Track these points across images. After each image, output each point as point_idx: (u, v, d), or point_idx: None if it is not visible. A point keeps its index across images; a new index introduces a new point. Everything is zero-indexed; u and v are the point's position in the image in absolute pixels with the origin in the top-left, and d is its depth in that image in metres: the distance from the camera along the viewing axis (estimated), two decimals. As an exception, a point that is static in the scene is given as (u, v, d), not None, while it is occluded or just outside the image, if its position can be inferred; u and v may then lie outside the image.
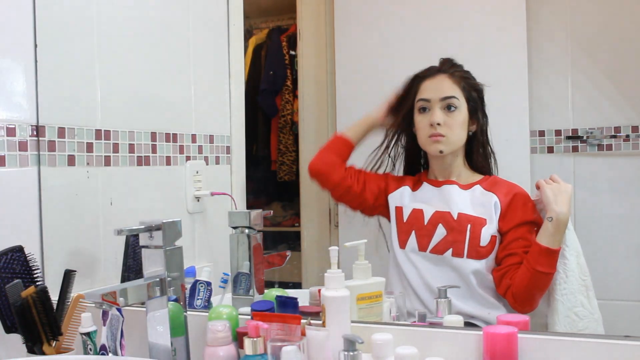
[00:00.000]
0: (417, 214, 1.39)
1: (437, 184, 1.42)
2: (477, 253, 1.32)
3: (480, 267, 1.32)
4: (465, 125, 1.39)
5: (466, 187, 1.39)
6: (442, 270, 1.34)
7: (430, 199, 1.41)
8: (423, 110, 1.40)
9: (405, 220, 1.40)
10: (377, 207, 1.46)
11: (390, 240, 1.42)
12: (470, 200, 1.37)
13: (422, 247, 1.37)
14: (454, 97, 1.38)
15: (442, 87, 1.39)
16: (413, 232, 1.38)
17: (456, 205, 1.37)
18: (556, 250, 1.26)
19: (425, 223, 1.37)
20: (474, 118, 1.40)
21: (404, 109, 1.44)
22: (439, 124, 1.36)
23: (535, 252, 1.27)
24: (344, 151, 1.48)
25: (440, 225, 1.36)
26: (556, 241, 1.26)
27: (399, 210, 1.42)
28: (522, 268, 1.28)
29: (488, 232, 1.32)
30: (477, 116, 1.40)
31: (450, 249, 1.34)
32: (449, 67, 1.41)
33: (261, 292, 1.27)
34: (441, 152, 1.38)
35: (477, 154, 1.42)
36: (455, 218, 1.35)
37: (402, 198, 1.43)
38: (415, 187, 1.44)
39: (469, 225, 1.33)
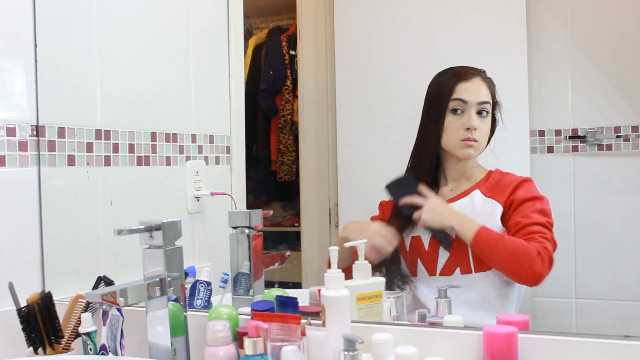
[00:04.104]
0: (416, 241, 1.39)
1: None
2: (484, 265, 1.32)
3: (492, 277, 1.32)
4: (489, 130, 1.39)
5: (464, 194, 1.39)
6: (455, 291, 1.32)
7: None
8: (456, 111, 1.37)
9: (407, 250, 1.40)
10: None
11: (403, 269, 1.41)
12: (467, 212, 1.36)
13: (431, 272, 1.37)
14: (487, 102, 1.38)
15: (479, 90, 1.37)
16: (418, 259, 1.38)
17: None
18: (479, 232, 1.29)
19: (426, 249, 1.37)
20: (493, 125, 1.41)
21: (435, 107, 1.39)
22: (475, 129, 1.35)
23: (473, 250, 1.31)
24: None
25: (441, 247, 1.36)
26: (469, 232, 1.30)
27: (401, 240, 1.41)
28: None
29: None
30: (495, 124, 1.42)
31: (458, 268, 1.34)
32: (480, 72, 1.40)
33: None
34: (471, 157, 1.38)
35: None
36: (453, 237, 1.34)
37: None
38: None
39: None
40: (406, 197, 1.37)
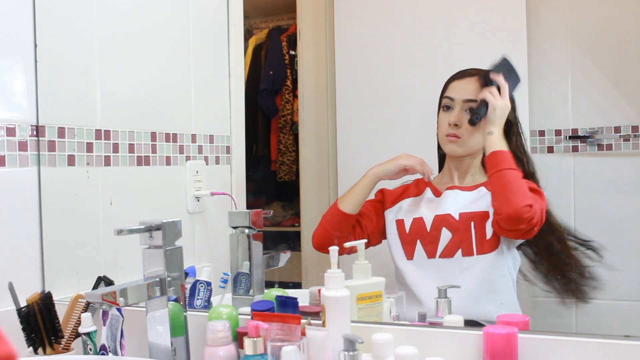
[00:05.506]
0: (418, 222, 1.39)
1: (438, 193, 1.42)
2: (485, 247, 1.32)
3: (493, 260, 1.32)
4: (484, 129, 1.37)
5: (470, 188, 1.39)
6: (454, 274, 1.33)
7: (429, 205, 1.41)
8: (447, 108, 1.40)
9: (407, 231, 1.40)
10: (382, 230, 1.46)
11: (393, 254, 1.42)
12: (472, 200, 1.37)
13: (431, 254, 1.37)
14: (476, 100, 1.37)
15: (468, 89, 1.39)
16: (418, 241, 1.38)
17: (456, 206, 1.37)
18: (506, 150, 1.31)
19: (429, 230, 1.37)
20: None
21: (438, 106, 1.45)
22: (456, 125, 1.37)
23: (490, 159, 1.32)
24: (344, 226, 1.43)
25: (444, 228, 1.36)
26: (503, 144, 1.32)
27: (400, 222, 1.42)
28: (490, 181, 1.33)
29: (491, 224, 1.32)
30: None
31: (460, 250, 1.34)
32: (478, 71, 1.41)
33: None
34: (455, 153, 1.39)
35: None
36: (457, 219, 1.35)
37: (401, 210, 1.44)
38: (418, 192, 1.44)
39: (472, 222, 1.33)
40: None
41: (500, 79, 1.35)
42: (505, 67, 1.38)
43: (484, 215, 1.33)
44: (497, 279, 1.34)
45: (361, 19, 1.82)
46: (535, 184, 1.36)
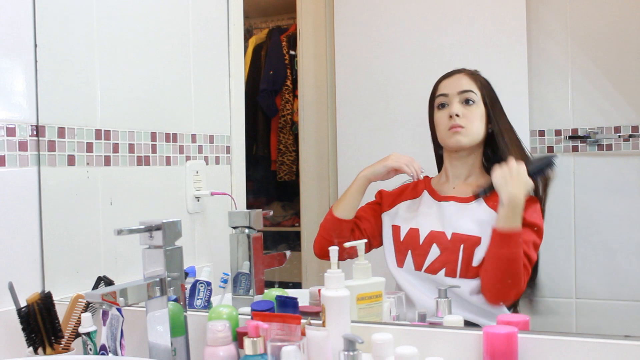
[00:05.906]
0: (413, 233, 1.39)
1: (438, 197, 1.42)
2: (469, 273, 1.32)
3: (473, 287, 1.32)
4: (483, 119, 1.39)
5: (468, 199, 1.38)
6: (436, 289, 1.32)
7: (427, 216, 1.40)
8: (442, 106, 1.41)
9: (402, 240, 1.40)
10: (382, 232, 1.46)
11: (386, 259, 1.42)
12: (469, 217, 1.36)
13: (418, 267, 1.37)
14: (471, 91, 1.39)
15: (459, 82, 1.41)
16: (409, 251, 1.39)
17: (451, 224, 1.36)
18: (515, 232, 1.26)
19: (421, 243, 1.37)
20: (490, 116, 1.40)
21: (429, 109, 1.45)
22: (457, 115, 1.37)
23: (494, 237, 1.28)
24: (342, 232, 1.43)
25: (434, 245, 1.36)
26: (512, 222, 1.26)
27: (395, 229, 1.42)
28: (485, 256, 1.30)
29: (482, 251, 1.31)
30: (493, 115, 1.40)
31: (444, 269, 1.34)
32: (465, 69, 1.44)
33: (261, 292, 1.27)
34: (461, 143, 1.38)
35: (495, 156, 1.39)
36: (449, 238, 1.35)
37: (398, 216, 1.44)
38: (415, 194, 1.44)
39: (461, 246, 1.33)
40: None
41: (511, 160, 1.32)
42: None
43: (476, 241, 1.32)
44: (481, 306, 1.32)
45: (361, 19, 1.82)
46: (540, 219, 1.34)
